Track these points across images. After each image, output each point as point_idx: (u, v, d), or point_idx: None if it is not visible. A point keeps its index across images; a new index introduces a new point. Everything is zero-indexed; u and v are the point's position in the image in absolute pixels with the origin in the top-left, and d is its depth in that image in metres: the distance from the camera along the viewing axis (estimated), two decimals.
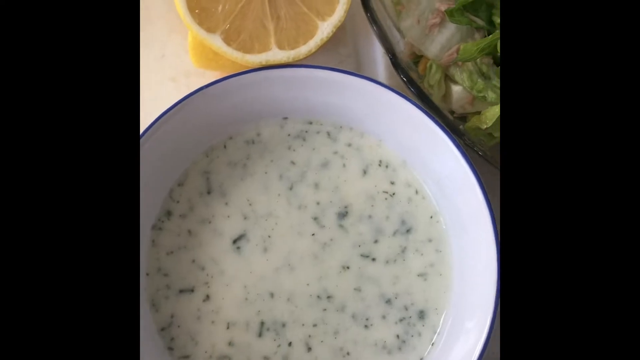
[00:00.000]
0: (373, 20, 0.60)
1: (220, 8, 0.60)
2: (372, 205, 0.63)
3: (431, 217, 0.62)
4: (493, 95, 0.60)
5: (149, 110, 0.62)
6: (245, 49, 0.61)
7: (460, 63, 0.62)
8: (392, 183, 0.63)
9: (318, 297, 0.61)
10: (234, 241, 0.62)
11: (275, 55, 0.61)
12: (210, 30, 0.60)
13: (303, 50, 0.62)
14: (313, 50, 0.62)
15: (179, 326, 0.61)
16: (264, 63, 0.60)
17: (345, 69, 0.67)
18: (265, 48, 0.61)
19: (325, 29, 0.62)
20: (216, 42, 0.60)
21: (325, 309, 0.61)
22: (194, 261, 0.62)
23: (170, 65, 0.70)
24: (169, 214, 0.63)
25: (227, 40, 0.60)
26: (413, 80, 0.59)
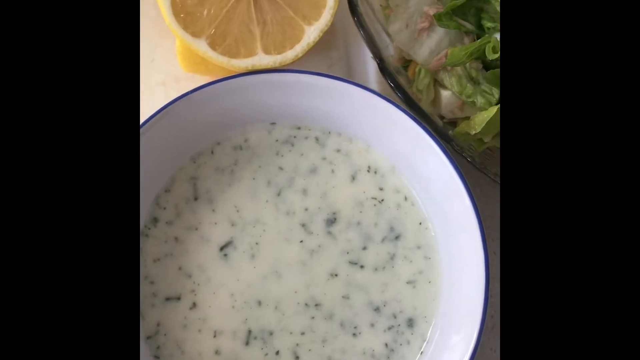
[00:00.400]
0: (360, 24, 0.59)
1: (205, 12, 0.60)
2: (361, 212, 0.62)
3: (420, 223, 0.61)
4: (482, 100, 0.60)
5: None
6: (231, 53, 0.60)
7: (449, 68, 0.61)
8: (381, 189, 0.62)
9: (306, 304, 0.60)
10: (221, 248, 0.61)
11: (262, 60, 0.60)
12: (195, 35, 0.60)
13: (290, 54, 0.61)
14: (300, 55, 0.61)
15: (165, 334, 0.60)
16: (250, 68, 0.60)
17: (335, 73, 0.66)
18: (251, 53, 0.60)
19: (311, 33, 0.61)
20: (202, 46, 0.60)
21: (313, 317, 0.60)
22: (180, 268, 0.61)
23: (160, 69, 0.70)
24: (155, 220, 0.62)
25: (213, 45, 0.60)
26: (400, 86, 0.58)
